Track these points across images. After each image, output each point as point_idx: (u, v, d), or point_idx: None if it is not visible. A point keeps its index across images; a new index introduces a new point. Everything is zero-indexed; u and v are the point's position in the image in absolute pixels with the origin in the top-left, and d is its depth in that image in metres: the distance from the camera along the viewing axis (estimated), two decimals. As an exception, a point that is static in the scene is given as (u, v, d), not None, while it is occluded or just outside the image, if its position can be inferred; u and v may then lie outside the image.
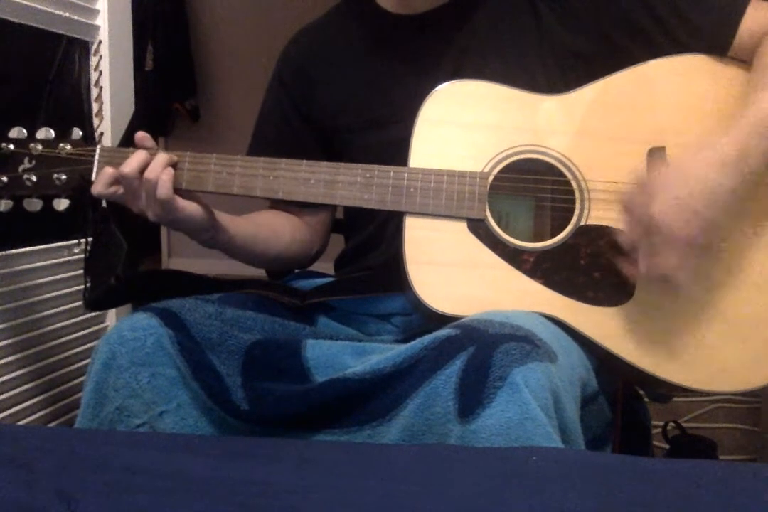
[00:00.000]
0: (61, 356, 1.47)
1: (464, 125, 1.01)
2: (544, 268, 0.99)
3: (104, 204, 1.10)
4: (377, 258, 1.15)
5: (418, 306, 0.99)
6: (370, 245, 1.17)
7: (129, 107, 1.63)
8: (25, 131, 1.03)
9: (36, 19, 1.37)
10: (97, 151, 1.01)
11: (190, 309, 0.98)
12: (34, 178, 1.01)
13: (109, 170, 0.98)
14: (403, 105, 1.03)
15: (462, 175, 1.00)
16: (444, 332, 0.87)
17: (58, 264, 1.47)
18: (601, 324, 0.98)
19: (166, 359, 0.95)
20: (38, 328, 1.42)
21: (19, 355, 1.37)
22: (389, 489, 0.68)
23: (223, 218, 1.07)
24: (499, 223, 1.00)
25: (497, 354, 0.82)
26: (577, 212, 1.00)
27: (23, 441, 0.81)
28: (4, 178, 1.02)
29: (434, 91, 1.01)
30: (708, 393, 1.00)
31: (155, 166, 0.97)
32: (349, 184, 1.01)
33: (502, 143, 1.01)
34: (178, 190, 0.99)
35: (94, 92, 1.54)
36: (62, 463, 0.74)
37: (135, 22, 1.65)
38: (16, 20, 1.32)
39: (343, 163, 1.01)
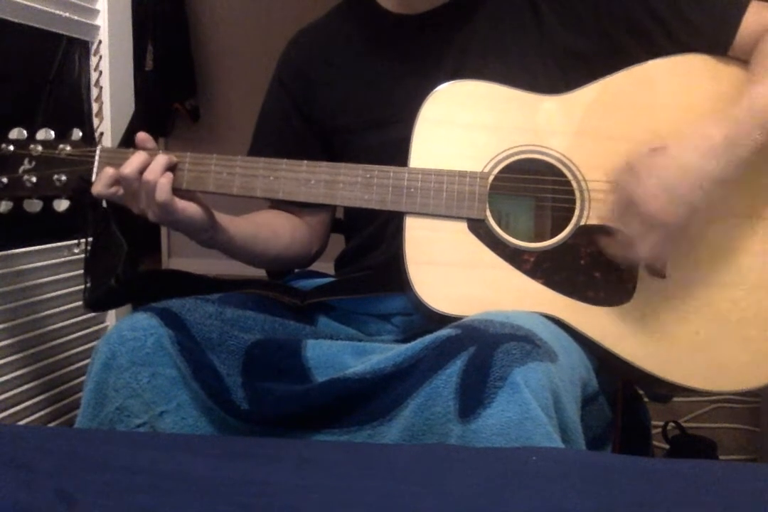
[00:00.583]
0: (61, 356, 1.47)
1: (464, 125, 1.01)
2: (545, 268, 0.99)
3: (104, 204, 1.10)
4: (377, 258, 1.15)
5: (418, 307, 0.99)
6: (370, 245, 1.17)
7: (129, 107, 1.63)
8: (25, 132, 1.03)
9: (36, 19, 1.37)
10: (97, 151, 1.01)
11: (190, 309, 0.98)
12: (34, 179, 1.01)
13: (109, 171, 0.98)
14: (403, 105, 1.03)
15: (462, 175, 1.00)
16: (444, 332, 0.87)
17: (58, 264, 1.47)
18: (602, 323, 0.98)
19: (166, 359, 0.95)
20: (38, 328, 1.41)
21: (19, 355, 1.36)
22: (389, 489, 0.68)
23: (223, 218, 1.07)
24: (499, 223, 1.00)
25: (498, 354, 0.82)
26: (577, 212, 1.00)
27: (23, 441, 0.81)
28: (4, 179, 1.02)
29: (434, 91, 1.01)
30: (708, 393, 1.00)
31: (155, 167, 0.97)
32: (350, 184, 1.01)
33: (503, 143, 1.01)
34: (178, 191, 0.99)
35: (94, 92, 1.54)
36: (62, 463, 0.74)
37: (135, 22, 1.65)
38: (16, 20, 1.32)
39: (343, 164, 1.01)
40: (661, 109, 1.03)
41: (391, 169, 1.00)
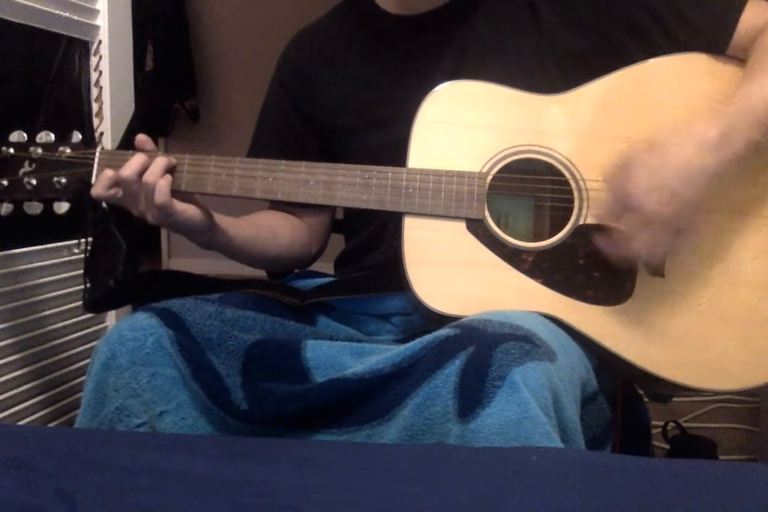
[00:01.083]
0: (61, 356, 1.47)
1: (463, 125, 1.01)
2: (543, 268, 0.99)
3: (104, 205, 1.10)
4: (377, 259, 1.15)
5: (417, 306, 0.99)
6: (370, 245, 1.17)
7: (129, 107, 1.63)
8: (25, 135, 1.03)
9: (36, 19, 1.37)
10: (97, 153, 1.01)
11: (190, 309, 0.98)
12: (34, 182, 1.02)
13: (109, 172, 0.98)
14: (402, 106, 1.03)
15: (461, 175, 1.00)
16: (443, 332, 0.87)
17: (58, 265, 1.47)
18: (601, 323, 0.98)
19: (166, 359, 0.95)
20: (38, 328, 1.42)
21: (19, 355, 1.37)
22: (389, 489, 0.68)
23: (222, 220, 1.07)
24: (498, 223, 1.00)
25: (497, 354, 0.82)
26: (575, 211, 1.00)
27: (23, 441, 0.81)
28: (5, 182, 1.02)
29: (433, 91, 1.01)
30: (708, 393, 1.00)
31: (154, 169, 0.98)
32: (348, 184, 1.01)
33: (501, 143, 1.01)
34: (177, 193, 0.99)
35: (94, 92, 1.54)
36: (62, 463, 0.74)
37: (135, 22, 1.65)
38: (16, 20, 1.32)
39: (342, 164, 1.01)
40: (660, 108, 1.03)
41: (390, 170, 1.00)
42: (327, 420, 0.90)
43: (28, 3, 1.33)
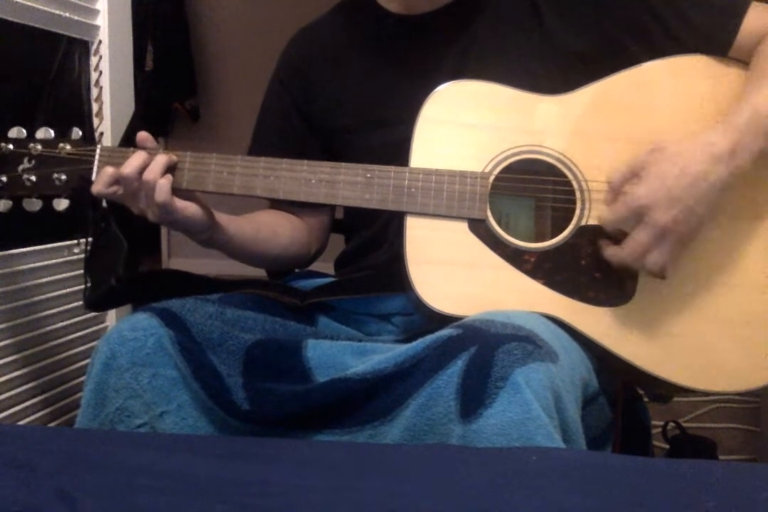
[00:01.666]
0: (61, 356, 1.47)
1: (465, 125, 1.01)
2: (545, 268, 0.99)
3: (104, 204, 1.10)
4: (379, 258, 1.14)
5: (419, 306, 0.99)
6: (371, 245, 1.17)
7: (129, 107, 1.63)
8: (24, 131, 1.03)
9: (36, 19, 1.37)
10: (97, 150, 1.01)
11: (191, 310, 0.98)
12: (33, 178, 1.01)
13: (109, 170, 0.98)
14: (403, 106, 1.03)
15: (463, 175, 1.00)
16: (445, 332, 0.87)
17: (58, 264, 1.47)
18: (602, 324, 0.98)
19: (166, 359, 0.95)
20: (38, 328, 1.41)
21: (19, 355, 1.36)
22: (390, 489, 0.68)
23: (223, 218, 1.07)
24: (499, 223, 1.00)
25: (499, 355, 0.82)
26: (577, 212, 1.00)
27: (23, 441, 0.81)
28: (4, 178, 1.01)
29: (435, 91, 1.01)
30: (708, 393, 1.00)
31: (154, 167, 0.97)
32: (351, 184, 1.01)
33: (503, 143, 1.01)
34: (177, 190, 0.99)
35: (94, 92, 1.54)
36: (62, 463, 0.74)
37: (135, 22, 1.65)
38: (16, 20, 1.32)
39: (344, 163, 1.01)
40: (662, 109, 1.03)
41: (392, 169, 1.00)
42: (328, 420, 0.89)
43: (28, 3, 1.33)
